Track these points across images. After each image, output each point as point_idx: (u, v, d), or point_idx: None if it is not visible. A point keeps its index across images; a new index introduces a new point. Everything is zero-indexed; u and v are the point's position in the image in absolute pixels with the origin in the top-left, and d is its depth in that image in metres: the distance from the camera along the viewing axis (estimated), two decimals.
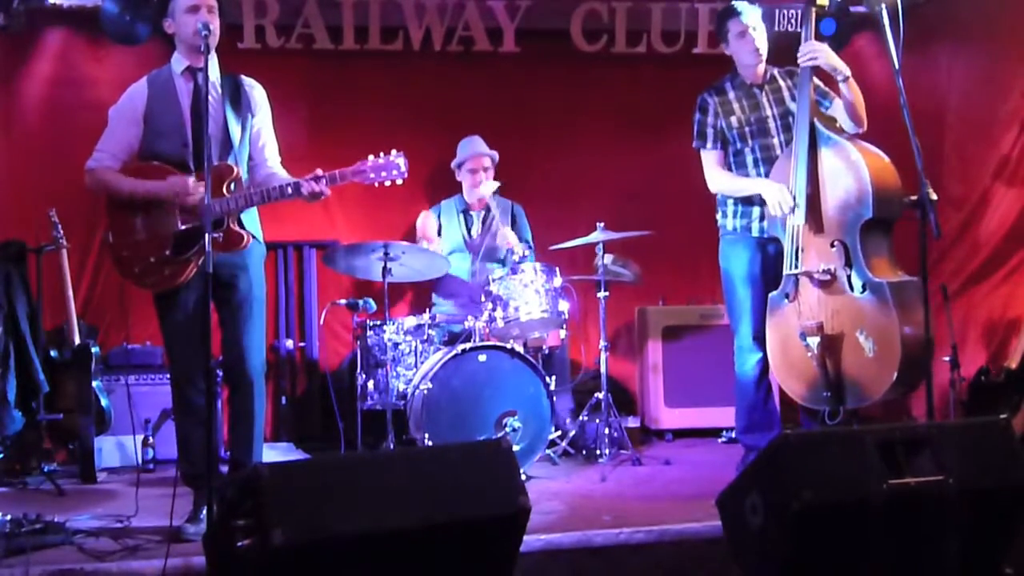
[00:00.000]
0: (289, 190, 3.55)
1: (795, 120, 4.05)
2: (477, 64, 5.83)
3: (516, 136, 5.65)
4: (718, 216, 4.41)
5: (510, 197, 5.49)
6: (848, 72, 4.05)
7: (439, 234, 5.43)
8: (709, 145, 4.33)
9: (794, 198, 3.95)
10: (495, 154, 5.43)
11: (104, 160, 3.77)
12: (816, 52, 4.03)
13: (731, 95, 4.30)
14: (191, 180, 3.59)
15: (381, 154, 3.56)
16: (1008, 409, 4.77)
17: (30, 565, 3.08)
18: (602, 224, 4.89)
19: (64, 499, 4.33)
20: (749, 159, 4.27)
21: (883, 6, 3.71)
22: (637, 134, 5.91)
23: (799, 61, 4.08)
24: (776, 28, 5.81)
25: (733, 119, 4.27)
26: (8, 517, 3.45)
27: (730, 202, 4.34)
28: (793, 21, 5.75)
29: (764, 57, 4.28)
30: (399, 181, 3.57)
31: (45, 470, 4.64)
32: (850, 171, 3.86)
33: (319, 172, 3.55)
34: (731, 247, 4.36)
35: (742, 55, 4.30)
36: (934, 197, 3.55)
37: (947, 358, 5.08)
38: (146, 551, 3.30)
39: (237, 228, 3.61)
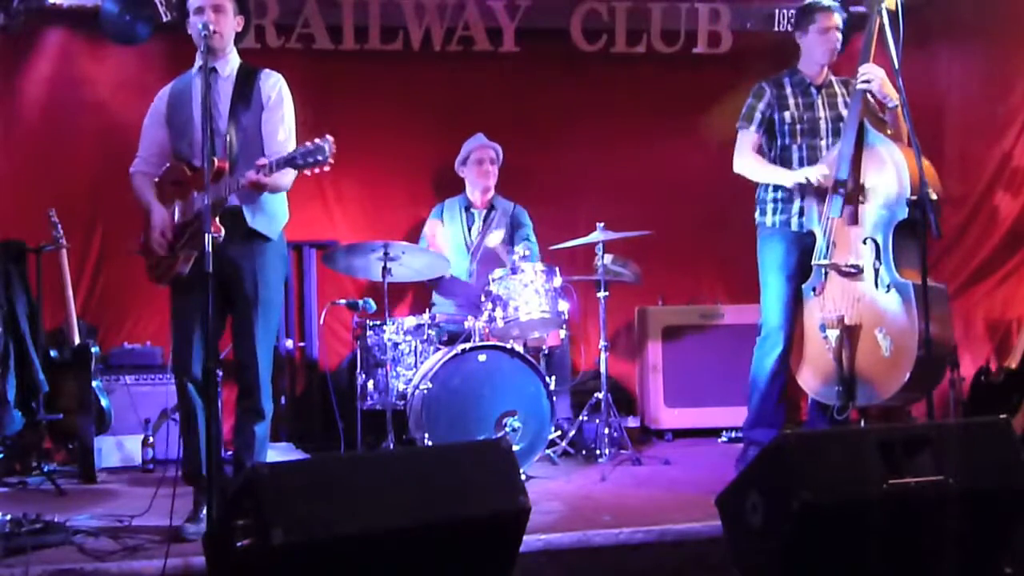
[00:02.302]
0: (242, 180, 3.51)
1: (844, 128, 4.07)
2: (477, 64, 5.83)
3: (516, 136, 5.65)
4: (756, 214, 4.44)
5: (511, 198, 5.49)
6: (897, 101, 4.05)
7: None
8: (753, 128, 4.33)
9: (839, 181, 3.96)
10: (498, 147, 5.44)
11: (139, 165, 3.86)
12: (870, 76, 4.04)
13: (788, 90, 4.33)
14: (159, 226, 3.67)
15: (315, 139, 3.42)
16: (1008, 409, 4.77)
17: (30, 565, 3.08)
18: (602, 224, 4.89)
19: (64, 499, 4.32)
20: (795, 156, 4.28)
21: (883, 6, 3.72)
22: (637, 134, 5.90)
23: (856, 80, 4.09)
24: (776, 28, 5.81)
25: (787, 114, 4.28)
26: (8, 517, 3.45)
27: (769, 200, 4.36)
28: (793, 21, 5.74)
29: (834, 60, 4.30)
30: (326, 168, 3.43)
31: (45, 470, 4.64)
32: (892, 171, 3.89)
33: (262, 161, 3.51)
34: (767, 242, 4.38)
35: (817, 51, 4.31)
36: (934, 197, 3.56)
37: None
38: (146, 551, 3.30)
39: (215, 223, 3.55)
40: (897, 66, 3.63)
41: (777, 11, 5.73)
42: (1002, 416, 3.01)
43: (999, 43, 5.78)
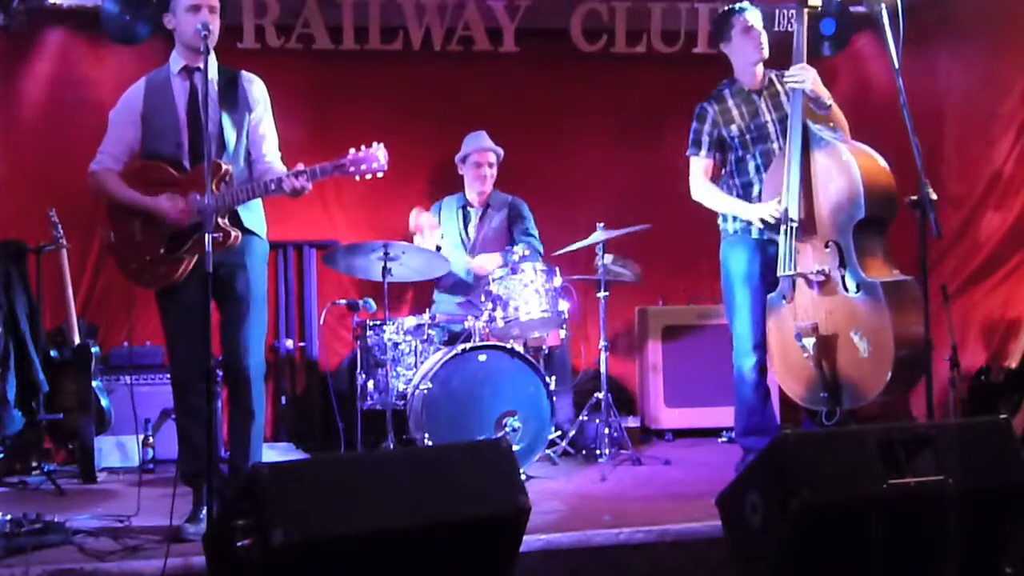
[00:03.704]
0: (272, 186, 3.54)
1: (788, 130, 4.05)
2: (477, 64, 5.83)
3: (516, 136, 5.64)
4: (719, 219, 4.41)
5: (510, 194, 5.48)
6: (830, 101, 4.05)
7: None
8: (702, 153, 4.31)
9: (786, 209, 3.95)
10: (500, 150, 5.42)
11: (105, 162, 3.79)
12: (802, 77, 4.02)
13: (730, 102, 4.29)
14: (169, 206, 3.60)
15: (362, 147, 3.52)
16: (1008, 409, 4.77)
17: (30, 565, 3.08)
18: (602, 224, 4.89)
19: (64, 499, 4.33)
20: (751, 165, 4.26)
21: (883, 6, 3.71)
22: (637, 134, 5.91)
23: (786, 80, 4.09)
24: (776, 28, 5.79)
25: (734, 127, 4.25)
26: (8, 517, 3.45)
27: None
28: (792, 21, 5.74)
29: (765, 57, 4.27)
30: (380, 174, 3.50)
31: (45, 470, 4.64)
32: (842, 172, 3.87)
33: (300, 167, 3.53)
34: (731, 249, 4.35)
35: (745, 51, 4.26)
36: (934, 197, 3.55)
37: (947, 358, 5.08)
38: (146, 551, 3.30)
39: (225, 225, 3.57)
40: (897, 66, 3.62)
41: (777, 11, 5.72)
42: (1002, 416, 3.01)
43: (998, 43, 5.78)
